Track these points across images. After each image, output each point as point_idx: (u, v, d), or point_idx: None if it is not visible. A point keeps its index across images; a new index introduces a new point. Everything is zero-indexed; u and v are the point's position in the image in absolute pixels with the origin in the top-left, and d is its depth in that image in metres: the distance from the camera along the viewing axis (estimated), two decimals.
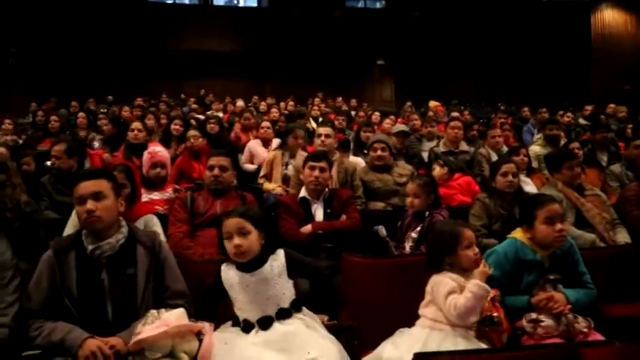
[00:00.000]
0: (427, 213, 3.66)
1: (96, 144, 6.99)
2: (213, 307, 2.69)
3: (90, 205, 2.46)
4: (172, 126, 6.41)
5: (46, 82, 14.85)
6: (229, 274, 2.61)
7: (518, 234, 2.98)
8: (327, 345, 2.43)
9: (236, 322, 2.58)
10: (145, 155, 4.47)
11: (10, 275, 2.48)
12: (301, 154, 5.44)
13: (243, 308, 2.56)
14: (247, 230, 2.56)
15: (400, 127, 6.85)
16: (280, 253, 2.66)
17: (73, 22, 15.36)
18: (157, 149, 4.45)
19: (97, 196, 2.49)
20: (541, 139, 6.79)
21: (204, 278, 2.78)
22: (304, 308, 2.65)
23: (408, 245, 3.58)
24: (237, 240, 2.54)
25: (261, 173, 5.58)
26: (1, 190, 3.45)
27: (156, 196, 4.30)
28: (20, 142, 7.05)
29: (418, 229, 3.58)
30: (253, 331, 2.48)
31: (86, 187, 2.51)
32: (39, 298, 2.46)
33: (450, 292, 2.58)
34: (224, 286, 2.61)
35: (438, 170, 4.95)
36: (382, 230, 3.77)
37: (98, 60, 15.76)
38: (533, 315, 2.68)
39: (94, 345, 2.29)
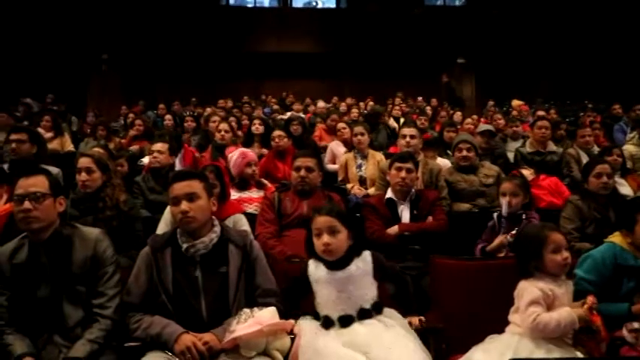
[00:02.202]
0: (524, 215, 3.54)
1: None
2: (295, 303, 2.72)
3: (184, 206, 2.54)
4: (252, 126, 6.52)
5: (135, 86, 15.52)
6: (316, 269, 2.65)
7: (616, 238, 2.85)
8: (406, 343, 2.45)
9: (316, 317, 2.62)
10: (237, 157, 4.56)
11: (111, 270, 2.61)
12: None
13: (325, 305, 2.60)
14: (337, 229, 2.59)
15: (485, 126, 6.70)
16: (367, 255, 2.68)
17: (160, 29, 15.91)
18: (245, 150, 4.55)
19: (191, 197, 2.57)
20: (636, 138, 6.48)
21: (291, 277, 2.82)
22: (387, 309, 2.66)
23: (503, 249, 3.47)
24: (326, 238, 2.58)
25: (339, 177, 5.62)
26: (102, 190, 3.63)
27: (246, 195, 4.40)
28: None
29: (513, 232, 3.43)
30: (334, 329, 2.52)
31: (180, 188, 2.60)
32: (138, 292, 2.57)
33: (532, 302, 2.51)
34: (310, 279, 2.65)
35: (525, 172, 4.82)
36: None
37: (183, 63, 16.27)
38: (635, 324, 2.55)
39: (189, 340, 2.37)
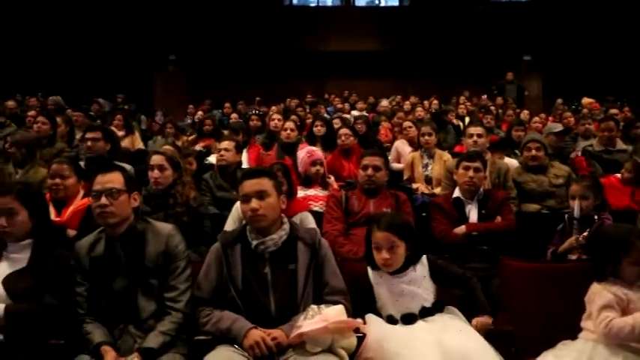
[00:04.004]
0: (596, 217, 3.42)
1: None
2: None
3: (254, 203, 2.57)
4: (314, 127, 6.49)
5: (200, 85, 15.89)
6: (377, 273, 2.73)
7: None
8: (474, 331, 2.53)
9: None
10: (304, 154, 4.58)
11: (183, 265, 2.67)
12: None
13: (387, 306, 2.65)
14: (396, 244, 2.65)
15: (555, 125, 6.50)
16: (423, 258, 2.75)
17: (225, 29, 16.22)
18: (314, 148, 4.57)
19: (261, 195, 2.60)
20: None
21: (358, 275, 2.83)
22: (449, 307, 2.71)
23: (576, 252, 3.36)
24: (385, 254, 2.64)
25: (405, 177, 5.56)
26: (173, 187, 3.72)
27: (312, 193, 4.42)
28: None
29: (585, 233, 3.32)
30: (398, 326, 2.58)
31: (250, 185, 2.63)
32: (208, 287, 2.62)
33: (605, 306, 2.43)
34: (371, 283, 2.71)
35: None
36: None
37: (247, 63, 16.50)
38: None
39: (258, 335, 2.40)
